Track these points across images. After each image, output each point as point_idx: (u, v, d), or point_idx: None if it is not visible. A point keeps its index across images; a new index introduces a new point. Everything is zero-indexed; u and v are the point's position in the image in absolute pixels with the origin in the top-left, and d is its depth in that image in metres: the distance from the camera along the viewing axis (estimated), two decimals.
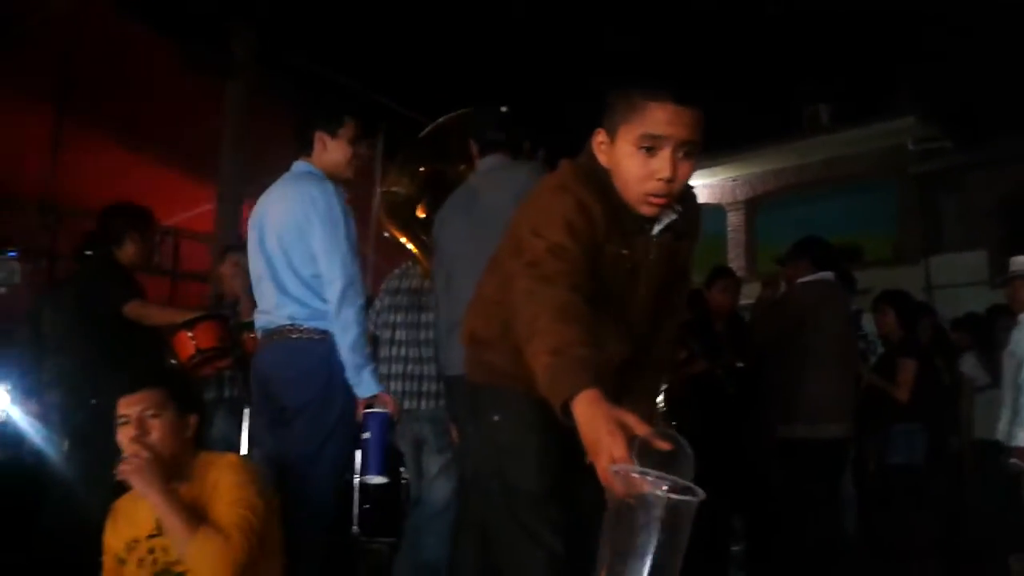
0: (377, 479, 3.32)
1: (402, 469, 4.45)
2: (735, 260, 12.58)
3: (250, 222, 3.24)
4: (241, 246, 4.73)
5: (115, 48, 6.99)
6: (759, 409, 4.50)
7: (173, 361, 3.93)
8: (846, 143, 12.54)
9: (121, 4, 6.94)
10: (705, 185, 13.45)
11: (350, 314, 3.01)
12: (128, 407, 2.57)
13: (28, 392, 4.48)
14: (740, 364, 4.79)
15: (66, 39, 6.52)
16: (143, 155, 8.18)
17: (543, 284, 1.80)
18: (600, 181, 1.96)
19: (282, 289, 3.07)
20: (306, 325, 3.03)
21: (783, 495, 4.21)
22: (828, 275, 4.35)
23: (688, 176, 1.92)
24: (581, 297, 1.77)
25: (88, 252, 4.57)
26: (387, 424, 3.15)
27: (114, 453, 3.56)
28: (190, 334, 3.78)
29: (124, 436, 2.58)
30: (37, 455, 5.67)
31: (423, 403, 3.73)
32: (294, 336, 3.04)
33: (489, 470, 2.23)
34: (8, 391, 10.93)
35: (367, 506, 5.03)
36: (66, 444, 4.06)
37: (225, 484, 2.53)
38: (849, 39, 10.81)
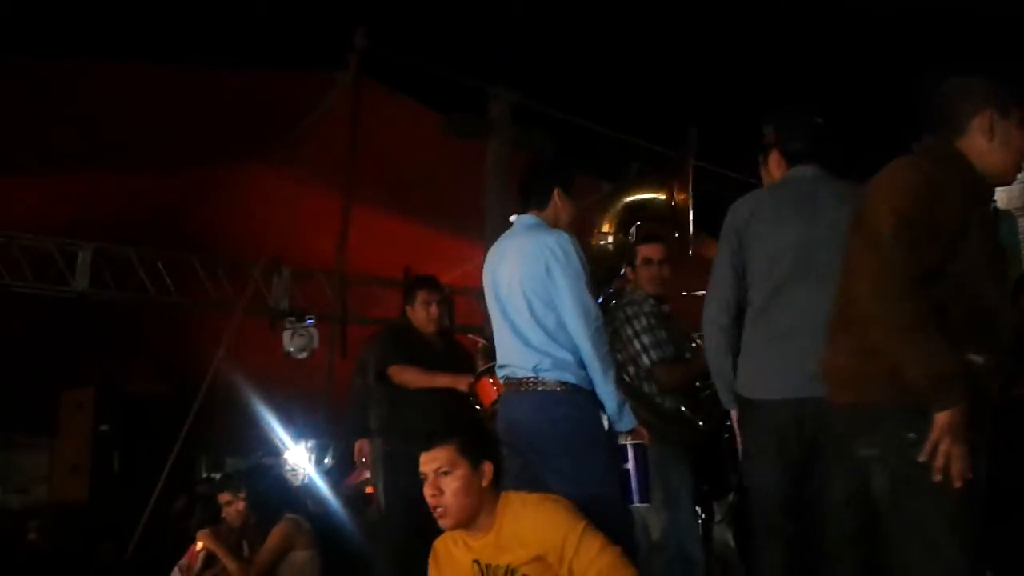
0: (641, 506, 3.35)
1: None
2: None
3: (485, 276, 3.36)
4: None
5: (384, 121, 7.54)
6: None
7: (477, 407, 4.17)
8: None
9: (387, 79, 7.47)
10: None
11: (603, 355, 3.09)
12: (425, 465, 2.71)
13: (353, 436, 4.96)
14: None
15: (346, 121, 7.10)
16: (415, 220, 8.74)
17: (890, 281, 2.11)
18: (955, 161, 2.27)
19: (525, 341, 3.15)
20: (550, 377, 3.10)
21: None
22: None
23: None
24: (926, 300, 2.10)
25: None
26: (645, 453, 3.21)
27: (402, 492, 3.93)
28: (491, 380, 3.99)
29: (426, 493, 2.71)
30: (337, 505, 6.17)
31: None
32: (539, 388, 3.11)
33: (914, 490, 2.20)
34: (310, 449, 11.90)
35: None
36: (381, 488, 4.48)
37: (582, 537, 2.60)
38: None
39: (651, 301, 4.20)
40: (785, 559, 2.88)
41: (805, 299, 2.83)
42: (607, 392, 3.11)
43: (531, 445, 3.15)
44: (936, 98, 2.38)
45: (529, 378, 3.13)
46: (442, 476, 2.68)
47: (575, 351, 3.11)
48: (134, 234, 8.36)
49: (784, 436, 2.86)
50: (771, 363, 2.91)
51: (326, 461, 9.32)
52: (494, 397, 3.96)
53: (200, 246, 8.76)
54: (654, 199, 4.38)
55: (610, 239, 4.41)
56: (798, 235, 2.91)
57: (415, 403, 4.29)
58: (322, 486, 7.63)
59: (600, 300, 4.16)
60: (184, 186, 8.44)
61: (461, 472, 2.68)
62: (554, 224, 3.30)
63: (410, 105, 7.59)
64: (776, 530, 2.91)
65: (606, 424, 3.17)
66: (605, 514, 2.94)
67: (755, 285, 2.99)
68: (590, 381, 3.12)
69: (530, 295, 3.15)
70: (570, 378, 3.10)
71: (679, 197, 4.09)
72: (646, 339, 4.04)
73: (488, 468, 2.76)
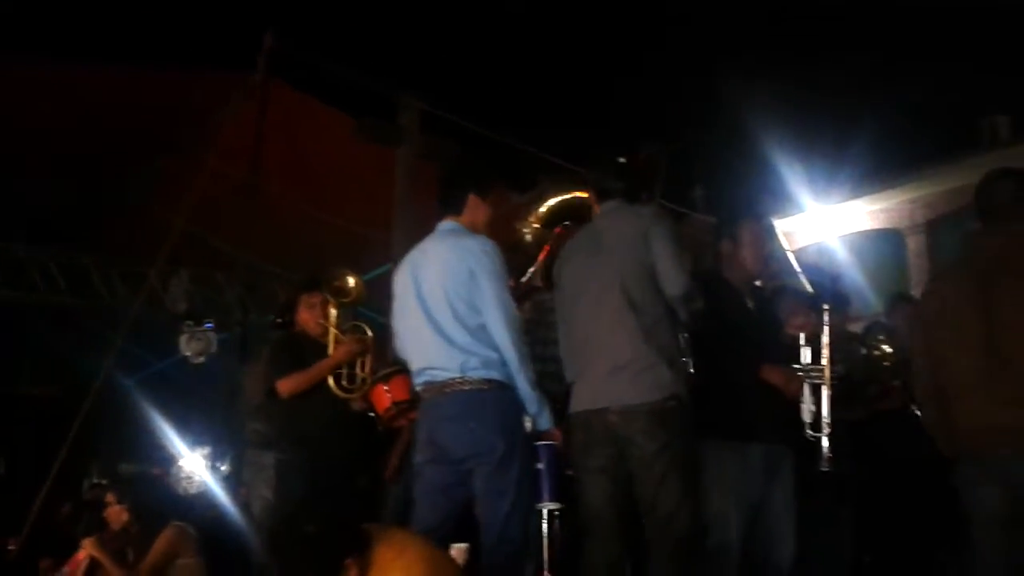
0: (552, 505, 3.40)
1: None
2: (918, 287, 11.92)
3: (402, 279, 3.37)
4: None
5: (295, 124, 7.48)
6: None
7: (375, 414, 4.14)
8: None
9: (298, 83, 7.42)
10: (880, 210, 12.88)
11: (524, 356, 3.17)
12: None
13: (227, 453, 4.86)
14: None
15: (254, 121, 7.02)
16: (322, 223, 8.64)
17: None
18: None
19: (449, 341, 3.17)
20: (476, 375, 3.14)
21: None
22: None
23: None
24: None
25: (278, 320, 4.98)
26: (556, 454, 3.30)
27: (295, 501, 3.97)
28: (386, 387, 3.98)
29: None
30: (233, 512, 6.08)
31: None
32: (466, 388, 3.14)
33: None
34: (205, 456, 11.63)
35: None
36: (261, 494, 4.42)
37: None
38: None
39: None
40: (603, 556, 3.13)
41: (587, 322, 3.21)
42: (528, 393, 3.17)
43: (456, 449, 3.16)
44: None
45: (455, 379, 3.15)
46: None
47: (498, 349, 3.16)
48: (27, 231, 8.08)
49: (588, 443, 3.16)
50: (576, 384, 3.25)
51: (222, 468, 9.10)
52: (387, 404, 3.95)
53: (97, 245, 8.51)
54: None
55: (530, 229, 4.44)
56: (581, 266, 3.29)
57: (309, 413, 4.21)
58: (218, 493, 7.45)
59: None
60: (83, 183, 8.18)
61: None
62: (472, 228, 3.34)
63: (321, 108, 7.54)
64: (593, 526, 3.15)
65: (528, 425, 3.22)
66: (511, 516, 3.07)
67: (561, 313, 3.39)
68: (512, 379, 3.17)
69: (453, 298, 3.19)
70: (496, 375, 3.15)
71: None
72: (550, 367, 4.02)
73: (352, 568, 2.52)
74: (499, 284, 3.18)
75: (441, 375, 3.19)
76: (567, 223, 4.44)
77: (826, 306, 3.54)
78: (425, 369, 3.26)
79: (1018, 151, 11.90)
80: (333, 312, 4.33)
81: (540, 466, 3.27)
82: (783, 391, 3.46)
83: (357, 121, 7.52)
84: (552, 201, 4.44)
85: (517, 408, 3.19)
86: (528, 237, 4.32)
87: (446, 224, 3.38)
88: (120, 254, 8.59)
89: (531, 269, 4.25)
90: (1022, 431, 2.81)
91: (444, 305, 3.20)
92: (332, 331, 4.25)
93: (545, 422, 3.23)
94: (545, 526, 3.44)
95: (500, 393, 3.14)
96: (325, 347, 4.30)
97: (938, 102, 11.17)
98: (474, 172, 3.54)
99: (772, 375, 3.47)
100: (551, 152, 7.51)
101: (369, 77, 7.20)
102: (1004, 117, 12.66)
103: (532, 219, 4.37)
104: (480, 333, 3.16)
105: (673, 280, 3.11)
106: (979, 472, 2.96)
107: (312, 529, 2.54)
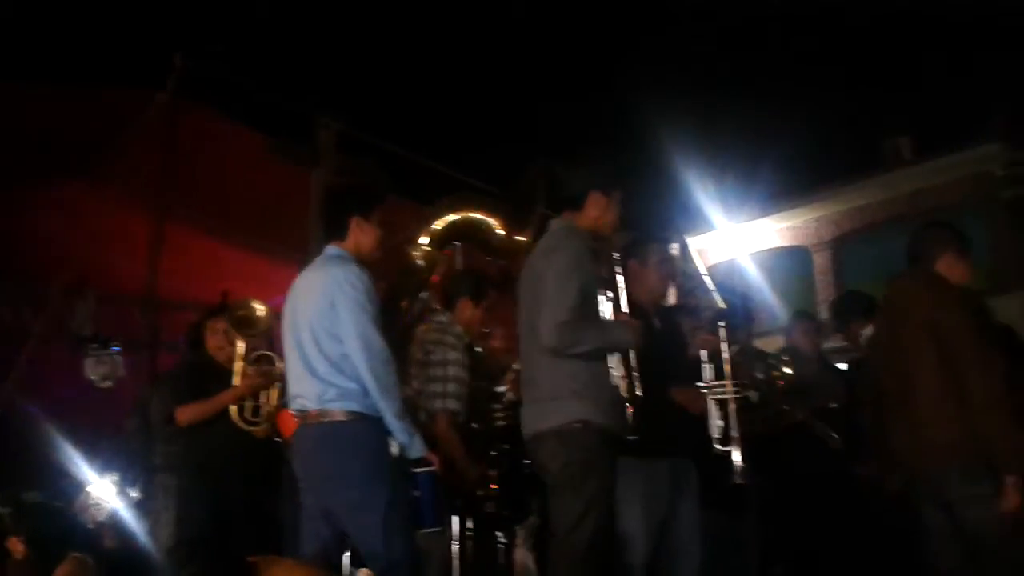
0: (432, 530, 3.46)
1: None
2: (825, 302, 12.31)
3: (285, 307, 3.39)
4: None
5: (207, 144, 7.35)
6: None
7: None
8: (931, 174, 12.28)
9: (211, 103, 7.31)
10: (788, 227, 13.26)
11: (388, 387, 3.14)
12: None
13: (137, 479, 4.73)
14: (833, 405, 4.72)
15: (163, 142, 6.89)
16: (235, 245, 8.51)
17: None
18: None
19: (312, 371, 3.18)
20: (335, 407, 3.15)
21: None
22: None
23: None
24: None
25: (186, 344, 4.89)
26: (435, 480, 3.32)
27: (197, 527, 4.11)
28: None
29: None
30: (139, 540, 5.92)
31: None
32: (324, 420, 3.16)
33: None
34: (115, 483, 11.26)
35: None
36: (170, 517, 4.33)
37: None
38: (924, 71, 10.69)
39: (459, 330, 4.19)
40: None
41: (521, 351, 3.37)
42: (395, 423, 3.16)
43: (321, 477, 3.18)
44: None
45: (316, 410, 3.16)
46: None
47: (361, 380, 3.15)
48: None
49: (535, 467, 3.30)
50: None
51: (132, 494, 8.85)
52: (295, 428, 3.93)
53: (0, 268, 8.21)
54: (490, 228, 4.44)
55: (420, 251, 4.44)
56: (522, 293, 3.37)
57: (210, 439, 4.18)
58: (126, 520, 7.24)
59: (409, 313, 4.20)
60: None
61: None
62: (356, 253, 3.33)
63: (235, 128, 7.43)
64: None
65: (395, 451, 3.21)
66: (391, 541, 3.06)
67: None
68: (377, 409, 3.16)
69: (316, 328, 3.19)
70: (355, 407, 3.14)
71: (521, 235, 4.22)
72: (452, 387, 4.02)
73: None
74: (360, 315, 3.15)
75: (307, 405, 3.20)
76: (456, 243, 4.47)
77: (721, 324, 3.66)
78: (295, 397, 3.28)
79: (919, 170, 12.44)
80: (241, 344, 4.28)
81: (416, 493, 3.27)
82: (689, 409, 3.56)
83: (271, 141, 7.44)
84: (440, 223, 4.47)
85: (380, 438, 3.17)
86: (420, 259, 4.34)
87: (329, 250, 3.37)
88: (24, 277, 8.30)
89: (423, 291, 4.27)
90: (939, 449, 3.19)
91: (309, 335, 3.20)
92: (237, 364, 4.21)
93: (416, 450, 3.21)
94: (456, 546, 3.46)
95: (360, 425, 3.14)
96: (231, 374, 4.25)
97: (843, 124, 11.59)
98: (353, 194, 3.52)
99: (679, 395, 3.57)
100: (469, 173, 7.56)
101: (284, 97, 7.15)
102: (905, 138, 13.20)
103: (423, 241, 4.40)
104: (343, 363, 3.15)
105: (542, 333, 3.13)
106: (918, 490, 3.36)
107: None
